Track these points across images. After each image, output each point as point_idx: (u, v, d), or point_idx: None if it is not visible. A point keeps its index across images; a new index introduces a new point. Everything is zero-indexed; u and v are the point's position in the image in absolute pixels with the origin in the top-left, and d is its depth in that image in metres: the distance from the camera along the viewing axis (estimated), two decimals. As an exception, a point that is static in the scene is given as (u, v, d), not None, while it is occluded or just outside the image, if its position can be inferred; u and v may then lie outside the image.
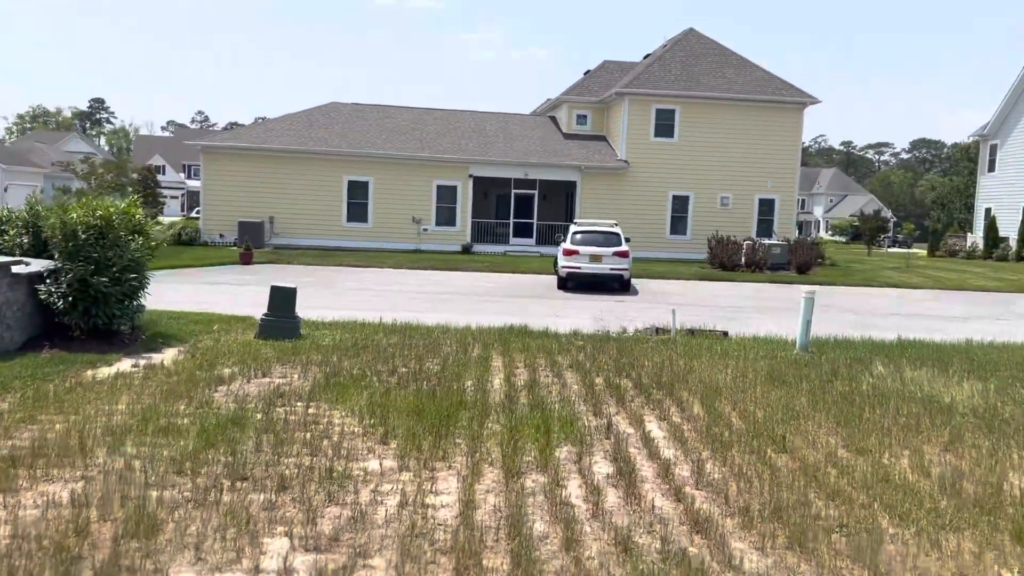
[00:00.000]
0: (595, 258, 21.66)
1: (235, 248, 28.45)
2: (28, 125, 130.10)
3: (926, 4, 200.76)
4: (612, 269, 21.65)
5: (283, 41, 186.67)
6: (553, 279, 24.57)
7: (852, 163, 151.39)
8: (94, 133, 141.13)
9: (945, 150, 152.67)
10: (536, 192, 34.13)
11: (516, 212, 34.16)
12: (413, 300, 18.57)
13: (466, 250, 32.66)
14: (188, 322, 13.41)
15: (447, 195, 32.92)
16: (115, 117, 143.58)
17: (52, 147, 76.79)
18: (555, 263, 25.10)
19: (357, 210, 32.47)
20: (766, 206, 34.13)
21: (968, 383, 10.01)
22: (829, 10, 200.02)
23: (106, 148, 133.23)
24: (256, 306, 16.15)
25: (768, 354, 11.87)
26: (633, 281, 23.05)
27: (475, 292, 20.82)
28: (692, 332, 13.54)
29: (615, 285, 22.40)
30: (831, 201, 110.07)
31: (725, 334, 13.61)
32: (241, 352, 10.66)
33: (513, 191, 33.90)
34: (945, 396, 9.29)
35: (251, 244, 29.34)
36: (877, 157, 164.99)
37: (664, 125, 33.38)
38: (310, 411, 7.85)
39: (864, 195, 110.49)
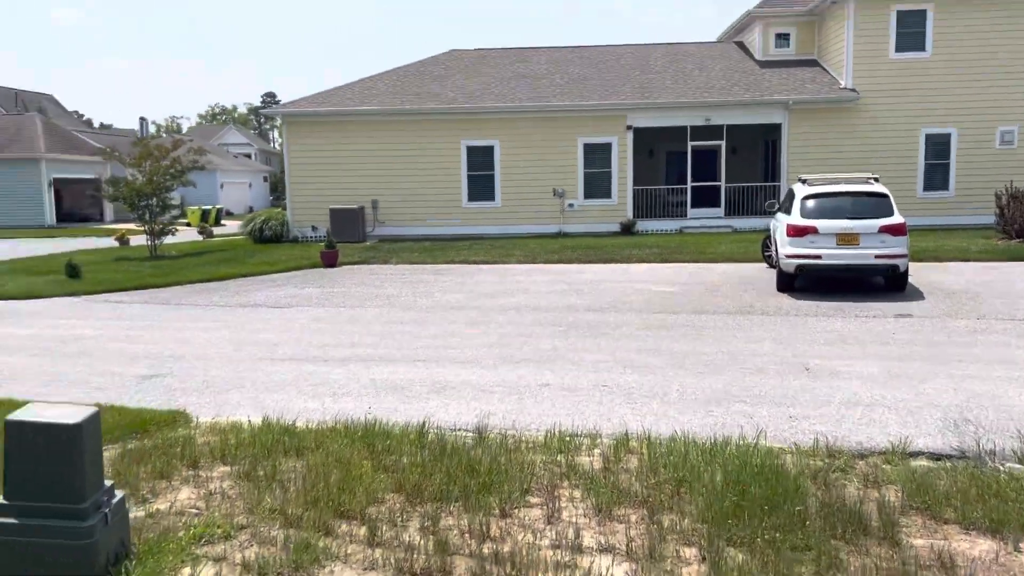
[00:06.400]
0: (847, 239, 12.65)
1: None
2: (207, 124, 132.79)
3: None
4: (879, 257, 12.55)
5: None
6: (761, 269, 15.82)
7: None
8: (268, 127, 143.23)
9: None
10: (723, 143, 24.85)
11: (695, 173, 25.04)
12: (532, 330, 10.52)
13: (626, 229, 24.13)
14: None
15: (598, 156, 24.42)
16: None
17: (207, 142, 75.39)
18: (764, 245, 16.37)
19: (480, 185, 24.70)
20: (1073, 141, 22.98)
21: None
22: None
23: (278, 139, 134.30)
24: (260, 363, 8.72)
25: None
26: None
27: (636, 304, 12.42)
28: None
29: (880, 280, 13.36)
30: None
31: None
32: None
33: (690, 144, 24.82)
34: None
35: (344, 238, 22.54)
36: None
37: (910, 35, 23.02)
38: None
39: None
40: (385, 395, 7.60)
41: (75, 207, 43.85)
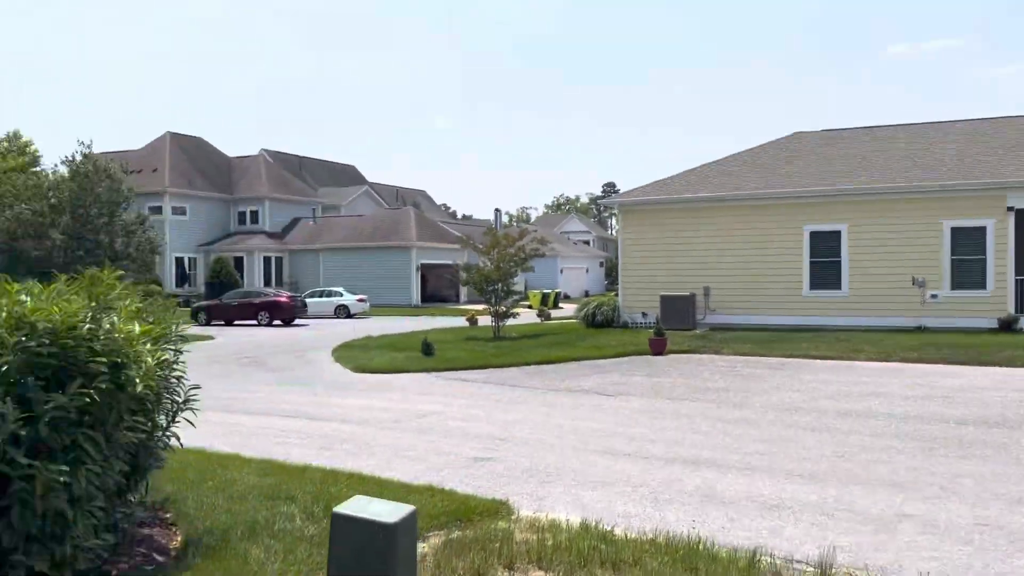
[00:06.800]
0: None
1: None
2: (552, 214, 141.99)
3: None
4: None
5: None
6: None
7: None
8: (607, 215, 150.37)
9: None
10: None
11: (1100, 261, 20.76)
12: (886, 443, 9.07)
13: (1006, 326, 20.57)
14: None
15: (969, 242, 21.33)
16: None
17: (550, 230, 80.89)
18: None
19: (824, 273, 22.87)
20: None
21: None
22: None
23: (615, 226, 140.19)
24: (582, 454, 8.61)
25: None
26: None
27: (1030, 426, 10.20)
28: None
29: None
30: None
31: None
32: None
33: (1092, 228, 20.72)
34: None
35: (673, 325, 22.21)
36: None
37: None
38: None
39: None
40: (710, 507, 6.93)
41: (436, 289, 49.35)
